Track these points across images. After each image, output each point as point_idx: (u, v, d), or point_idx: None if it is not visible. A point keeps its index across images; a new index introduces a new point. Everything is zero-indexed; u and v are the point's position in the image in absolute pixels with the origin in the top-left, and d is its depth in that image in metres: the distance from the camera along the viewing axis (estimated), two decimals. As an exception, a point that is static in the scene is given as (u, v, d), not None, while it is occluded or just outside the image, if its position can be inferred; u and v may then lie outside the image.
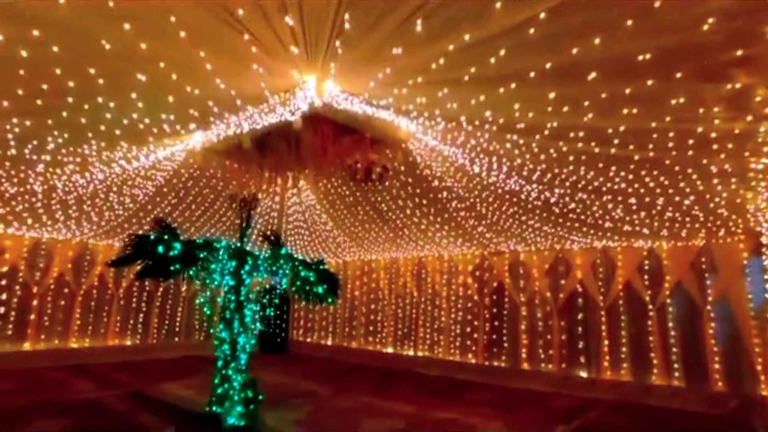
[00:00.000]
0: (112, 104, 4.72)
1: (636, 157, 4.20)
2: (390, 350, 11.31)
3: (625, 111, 3.64)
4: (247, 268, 5.91)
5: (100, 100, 4.75)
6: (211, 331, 5.67)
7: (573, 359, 8.69)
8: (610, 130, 3.86)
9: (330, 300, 6.85)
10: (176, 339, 11.80)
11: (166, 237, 4.97)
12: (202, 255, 5.30)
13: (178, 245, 4.85)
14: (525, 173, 6.09)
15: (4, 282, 9.19)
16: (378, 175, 6.69)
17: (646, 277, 8.20)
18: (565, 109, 3.90)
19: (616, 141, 3.98)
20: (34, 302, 9.51)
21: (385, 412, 6.55)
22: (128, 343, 10.88)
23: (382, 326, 11.68)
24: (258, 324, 6.69)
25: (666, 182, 4.75)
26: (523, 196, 7.07)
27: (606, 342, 8.39)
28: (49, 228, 9.22)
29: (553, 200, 6.80)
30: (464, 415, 6.42)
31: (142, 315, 11.17)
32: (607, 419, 6.61)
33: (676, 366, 7.63)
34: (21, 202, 7.52)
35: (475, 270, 10.27)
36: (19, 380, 7.89)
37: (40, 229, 9.20)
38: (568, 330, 8.87)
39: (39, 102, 4.49)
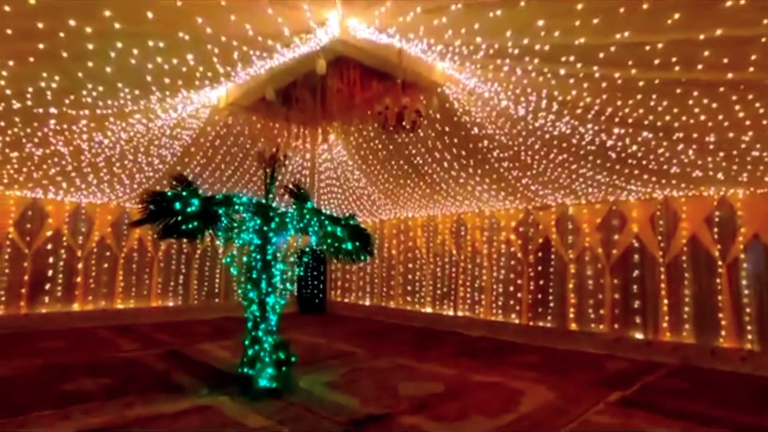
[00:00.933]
0: (134, 50, 4.34)
1: (730, 76, 3.39)
2: (429, 310, 10.99)
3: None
4: (272, 225, 5.56)
5: (119, 44, 4.39)
6: (240, 291, 5.40)
7: (627, 320, 8.02)
8: (698, 43, 3.07)
9: (363, 257, 6.48)
10: (216, 300, 11.96)
11: (184, 193, 4.65)
12: (221, 211, 4.96)
13: (196, 201, 4.54)
14: (579, 111, 5.31)
15: (50, 246, 9.41)
16: (411, 122, 6.09)
17: (715, 229, 7.30)
18: (638, 23, 3.15)
19: (705, 54, 3.18)
20: (80, 265, 9.74)
21: (423, 374, 6.24)
22: (170, 304, 11.10)
23: (421, 286, 11.33)
24: (288, 284, 6.44)
25: (762, 110, 3.90)
26: (574, 141, 6.29)
27: (666, 301, 7.65)
28: (85, 192, 9.28)
29: (610, 143, 5.99)
30: (508, 379, 6.01)
31: (182, 277, 11.33)
32: (668, 384, 6.01)
33: (749, 328, 6.83)
34: (51, 165, 7.46)
35: (519, 226, 9.60)
36: (69, 339, 8.14)
37: (77, 193, 9.26)
38: (622, 288, 8.16)
39: (64, 54, 4.16)
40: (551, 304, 8.96)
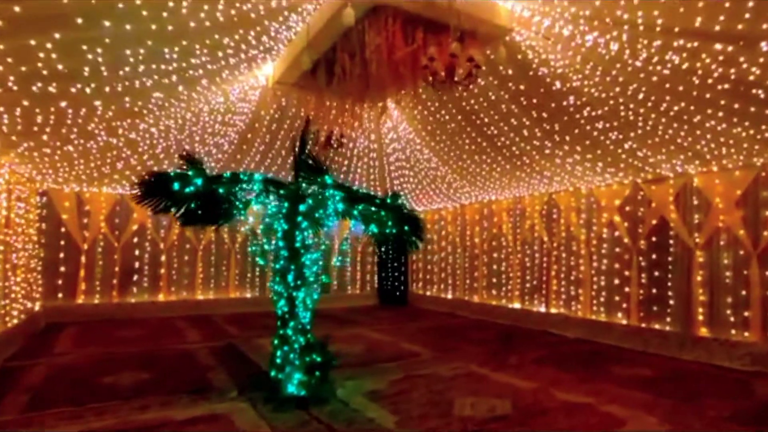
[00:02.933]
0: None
1: None
2: (517, 306, 9.56)
3: None
4: (302, 208, 4.82)
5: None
6: (268, 284, 4.74)
7: (787, 324, 5.92)
8: None
9: (413, 245, 5.48)
10: (294, 291, 11.79)
11: (190, 173, 4.11)
12: (235, 190, 4.30)
13: (198, 180, 3.95)
14: (696, 26, 3.71)
15: (136, 239, 9.89)
16: (466, 74, 4.91)
17: None
18: None
19: None
20: (162, 257, 10.13)
21: (492, 387, 5.07)
22: (248, 295, 11.16)
23: (507, 278, 9.92)
24: (324, 276, 5.69)
25: None
26: (695, 79, 4.58)
27: None
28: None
29: (752, 77, 4.21)
30: (604, 400, 4.59)
31: (258, 268, 11.32)
32: None
33: None
34: (115, 158, 7.62)
35: (625, 205, 7.75)
36: (146, 328, 8.39)
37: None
38: (777, 282, 6.04)
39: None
40: (671, 302, 7.05)
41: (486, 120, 7.11)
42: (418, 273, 12.72)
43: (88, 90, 4.96)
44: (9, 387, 4.85)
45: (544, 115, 6.45)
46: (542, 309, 9.01)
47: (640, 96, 5.28)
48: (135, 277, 9.85)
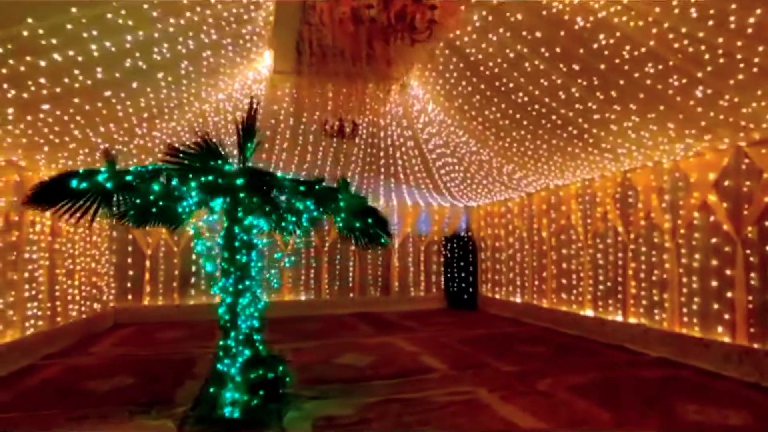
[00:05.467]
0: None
1: None
2: (589, 313, 7.77)
3: None
4: (245, 201, 4.21)
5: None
6: (212, 290, 4.27)
7: None
8: None
9: (382, 240, 4.53)
10: (350, 295, 11.33)
11: (102, 170, 3.78)
12: (156, 187, 3.83)
13: (101, 177, 3.58)
14: None
15: (193, 244, 10.32)
16: (426, 21, 3.90)
17: None
18: None
19: None
20: (218, 260, 10.43)
21: (483, 421, 3.92)
22: (302, 298, 10.98)
23: (578, 278, 8.16)
24: (276, 280, 5.02)
25: None
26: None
27: None
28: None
29: None
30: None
31: (313, 271, 11.09)
32: None
33: None
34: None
35: (723, 179, 5.69)
36: (187, 329, 8.63)
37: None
38: None
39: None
40: (795, 313, 4.91)
41: (511, 84, 5.79)
42: (487, 273, 11.32)
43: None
44: (11, 384, 5.11)
45: (595, 81, 4.98)
46: (618, 318, 7.14)
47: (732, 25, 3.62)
48: (192, 280, 10.29)
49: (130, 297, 9.93)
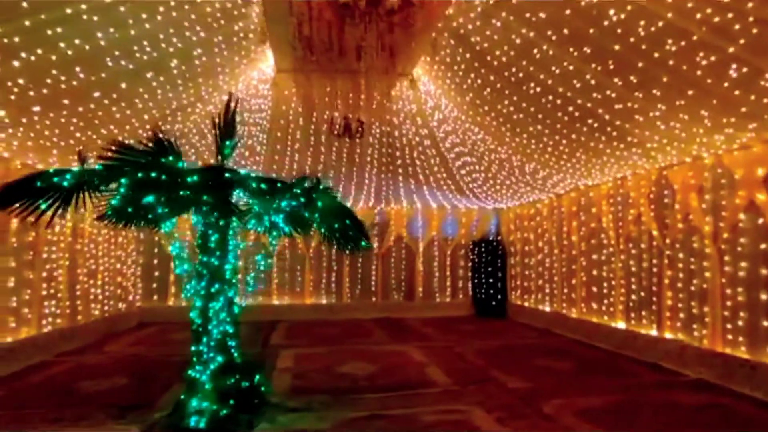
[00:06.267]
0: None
1: None
2: (621, 325, 7.03)
3: None
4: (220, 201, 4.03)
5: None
6: (183, 294, 4.12)
7: None
8: None
9: (363, 244, 4.21)
10: (372, 299, 11.04)
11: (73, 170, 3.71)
12: (123, 183, 3.69)
13: (68, 176, 3.50)
14: None
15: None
16: None
17: None
18: None
19: None
20: (240, 263, 10.46)
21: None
22: (323, 301, 10.82)
23: (609, 287, 7.43)
24: (253, 284, 4.80)
25: None
26: None
27: None
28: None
29: None
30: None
31: (334, 274, 10.91)
32: None
33: None
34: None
35: (772, 174, 4.91)
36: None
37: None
38: None
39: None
40: None
41: (520, 74, 5.30)
42: (517, 279, 10.66)
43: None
44: (13, 381, 5.23)
45: (610, 64, 4.42)
46: (653, 332, 6.38)
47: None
48: (215, 282, 10.38)
49: (155, 297, 10.17)
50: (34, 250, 6.54)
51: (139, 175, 3.25)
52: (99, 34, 3.85)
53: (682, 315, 5.97)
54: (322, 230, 4.22)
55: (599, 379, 5.47)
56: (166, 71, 5.09)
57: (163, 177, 3.32)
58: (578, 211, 8.30)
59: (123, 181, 3.31)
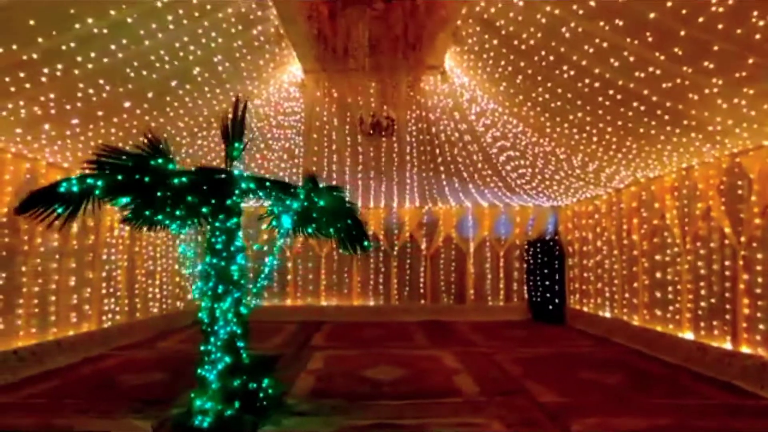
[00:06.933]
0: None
1: None
2: (689, 336, 6.18)
3: None
4: (228, 202, 4.07)
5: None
6: (192, 294, 4.20)
7: None
8: None
9: (365, 245, 4.02)
10: (421, 302, 10.76)
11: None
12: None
13: (64, 185, 3.65)
14: None
15: (264, 247, 10.74)
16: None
17: None
18: None
19: None
20: (289, 264, 10.74)
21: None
22: (371, 303, 10.74)
23: (674, 291, 6.56)
24: (263, 281, 4.72)
25: None
26: None
27: None
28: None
29: None
30: None
31: (381, 276, 10.79)
32: None
33: None
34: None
35: None
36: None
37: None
38: None
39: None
40: None
41: (551, 57, 4.84)
42: (575, 282, 9.85)
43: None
44: (68, 372, 5.70)
45: (619, 22, 3.90)
46: (726, 345, 5.51)
47: None
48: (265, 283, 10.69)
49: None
50: (93, 252, 7.12)
51: (119, 177, 3.33)
52: (112, 47, 4.03)
53: (761, 326, 5.09)
54: (323, 231, 4.10)
55: (652, 397, 4.80)
56: (191, 80, 5.27)
57: (146, 179, 3.39)
58: (639, 207, 7.45)
59: (98, 183, 3.39)
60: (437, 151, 8.23)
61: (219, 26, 4.73)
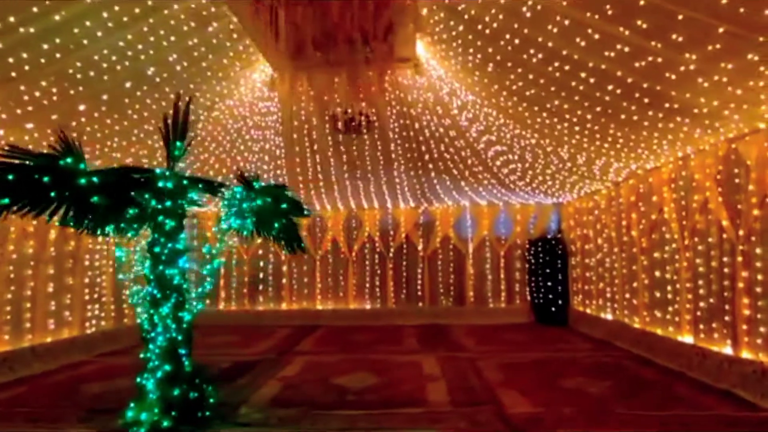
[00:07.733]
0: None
1: None
2: (688, 339, 5.68)
3: None
4: (153, 203, 3.87)
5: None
6: (130, 300, 4.04)
7: None
8: None
9: (298, 245, 3.77)
10: (419, 305, 10.43)
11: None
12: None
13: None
14: None
15: (260, 252, 10.64)
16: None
17: None
18: None
19: None
20: (284, 268, 10.59)
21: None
22: (367, 307, 10.47)
23: (674, 291, 6.07)
24: (206, 285, 4.51)
25: None
26: None
27: None
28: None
29: None
30: None
31: (377, 278, 10.52)
32: None
33: None
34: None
35: None
36: (242, 335, 8.85)
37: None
38: None
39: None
40: None
41: (516, 40, 4.50)
42: (578, 282, 9.34)
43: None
44: (40, 379, 5.64)
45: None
46: (726, 350, 5.01)
47: None
48: (260, 287, 10.58)
49: (207, 302, 10.60)
50: (74, 258, 7.11)
51: (10, 177, 3.18)
52: (45, 46, 3.92)
53: (763, 329, 4.59)
54: (261, 231, 3.88)
55: (637, 408, 4.37)
56: (148, 81, 5.14)
57: (45, 179, 3.23)
58: (637, 201, 6.97)
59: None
60: (423, 148, 7.91)
61: (167, 24, 4.59)
